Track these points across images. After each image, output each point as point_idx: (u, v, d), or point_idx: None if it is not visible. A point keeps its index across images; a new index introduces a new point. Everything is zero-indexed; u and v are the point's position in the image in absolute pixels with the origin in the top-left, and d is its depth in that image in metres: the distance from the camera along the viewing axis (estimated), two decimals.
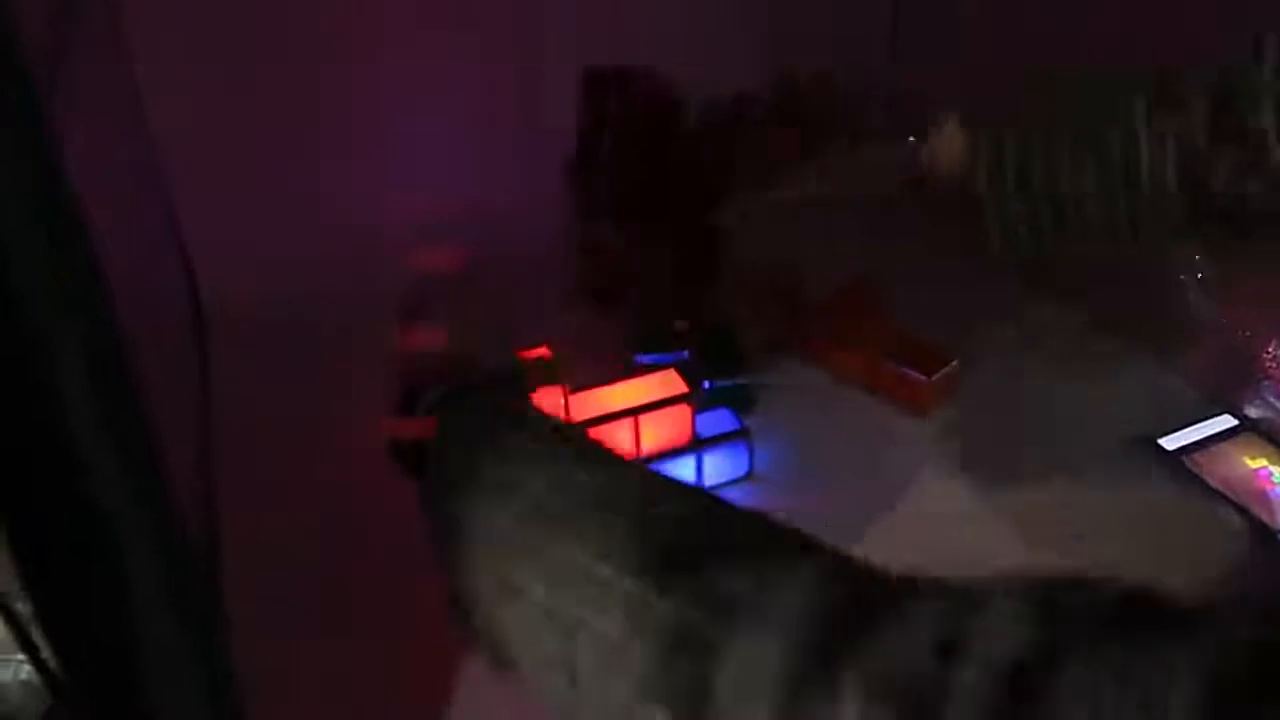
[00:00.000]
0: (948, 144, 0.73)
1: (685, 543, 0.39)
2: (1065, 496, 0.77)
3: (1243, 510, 0.75)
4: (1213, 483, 0.77)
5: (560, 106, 1.01)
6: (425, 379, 0.56)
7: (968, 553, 0.72)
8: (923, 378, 0.85)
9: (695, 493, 0.46)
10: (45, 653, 0.40)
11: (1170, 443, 0.80)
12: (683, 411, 0.77)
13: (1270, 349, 0.82)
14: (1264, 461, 0.78)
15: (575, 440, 0.49)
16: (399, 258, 0.79)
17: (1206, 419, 0.83)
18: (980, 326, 0.91)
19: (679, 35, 1.03)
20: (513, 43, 0.99)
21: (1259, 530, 0.73)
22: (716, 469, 0.79)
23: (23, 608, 0.44)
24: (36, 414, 0.31)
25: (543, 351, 0.72)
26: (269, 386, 0.87)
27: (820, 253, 0.93)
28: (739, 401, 0.83)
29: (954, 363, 0.86)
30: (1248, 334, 0.83)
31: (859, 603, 0.34)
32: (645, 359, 0.78)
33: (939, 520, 0.76)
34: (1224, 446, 0.80)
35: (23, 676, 0.58)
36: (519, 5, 0.97)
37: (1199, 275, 0.84)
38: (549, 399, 0.73)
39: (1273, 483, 0.77)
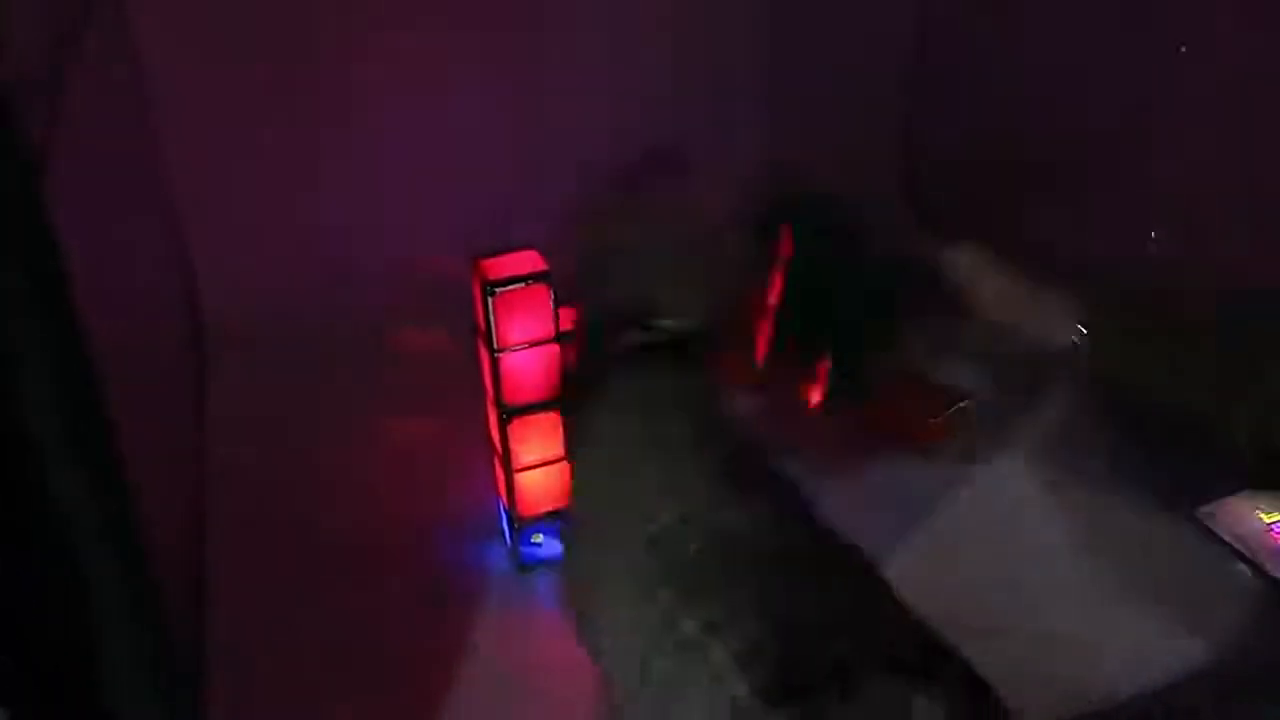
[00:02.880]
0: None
1: (804, 645, 0.38)
2: (1073, 544, 0.75)
3: (1256, 566, 0.73)
4: (1226, 537, 0.75)
5: (560, 127, 1.02)
6: None
7: (973, 598, 0.71)
8: (931, 416, 0.84)
9: (837, 570, 0.43)
10: None
11: (1183, 496, 0.78)
12: None
13: None
14: (1277, 517, 0.77)
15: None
16: (399, 272, 0.80)
17: (1220, 473, 0.80)
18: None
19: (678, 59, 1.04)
20: (515, 63, 0.99)
21: (1271, 586, 0.72)
22: None
23: None
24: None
25: None
26: (267, 399, 0.87)
27: None
28: None
29: (967, 401, 0.85)
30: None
31: None
32: None
33: (943, 561, 0.75)
34: (1237, 500, 0.78)
35: None
36: (521, 25, 0.97)
37: None
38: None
39: None
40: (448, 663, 0.67)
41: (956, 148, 1.11)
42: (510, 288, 0.65)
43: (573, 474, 0.63)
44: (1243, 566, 0.73)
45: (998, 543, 0.76)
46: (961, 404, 0.85)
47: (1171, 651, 0.67)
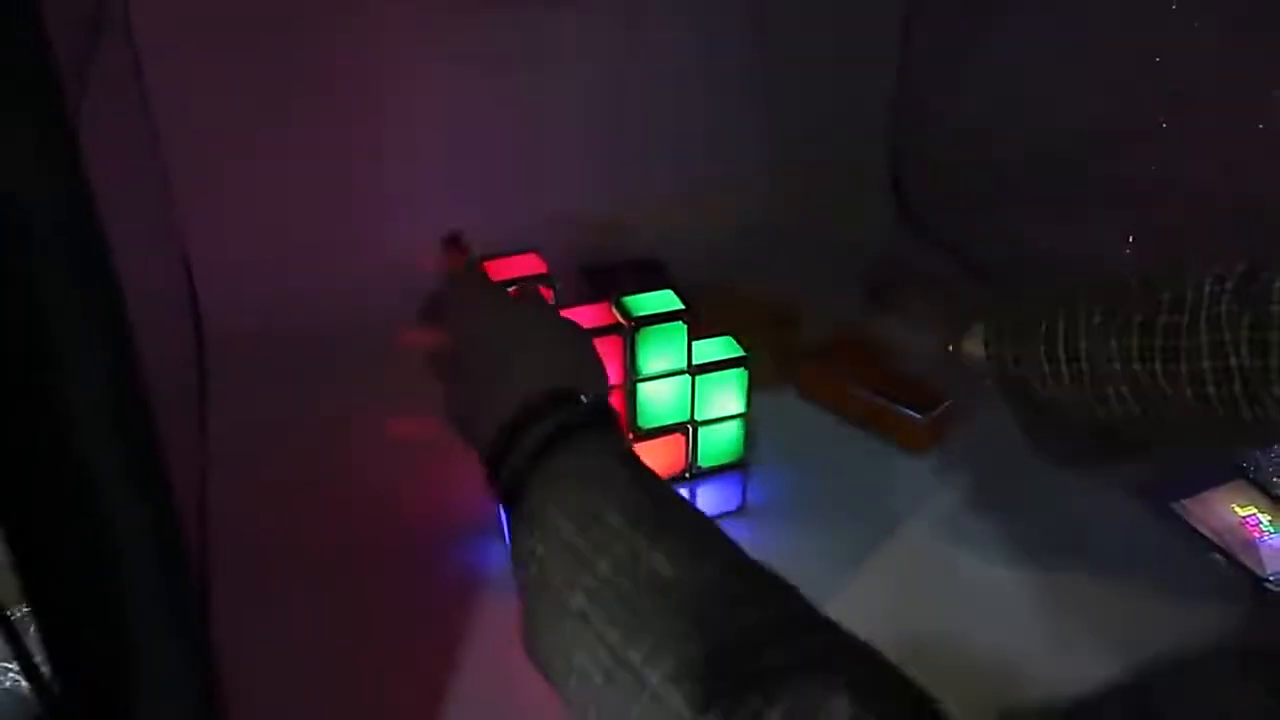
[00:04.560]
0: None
1: (734, 659, 0.41)
2: (1055, 537, 0.78)
3: (1230, 557, 0.75)
4: (1201, 529, 0.77)
5: (563, 153, 1.03)
6: (524, 412, 0.54)
7: (959, 592, 0.73)
8: (917, 415, 0.85)
9: (766, 592, 0.46)
10: (38, 661, 0.40)
11: (1159, 488, 0.81)
12: (678, 441, 0.77)
13: None
14: (1252, 509, 0.79)
15: (661, 503, 0.50)
16: (399, 272, 0.80)
17: (1196, 465, 0.83)
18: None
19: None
20: (517, 65, 0.99)
21: (1245, 576, 0.74)
22: (710, 501, 0.79)
23: (17, 615, 0.44)
24: (46, 421, 0.31)
25: None
26: (267, 400, 0.87)
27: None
28: None
29: (948, 402, 0.87)
30: None
31: None
32: None
33: (930, 558, 0.77)
34: (1213, 493, 0.81)
35: (6, 685, 0.57)
36: (524, 27, 0.98)
37: None
38: None
39: (1260, 530, 0.77)
40: (446, 662, 0.68)
41: (940, 151, 1.13)
42: (512, 289, 0.67)
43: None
44: (1218, 557, 0.76)
45: (973, 538, 0.78)
46: (945, 404, 0.87)
47: (1149, 639, 0.69)
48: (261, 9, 0.88)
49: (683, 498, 0.52)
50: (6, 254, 0.28)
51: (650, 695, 0.42)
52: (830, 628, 0.44)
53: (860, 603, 0.71)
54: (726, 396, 0.76)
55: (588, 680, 0.45)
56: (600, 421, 0.55)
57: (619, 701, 0.43)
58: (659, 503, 0.50)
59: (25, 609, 0.45)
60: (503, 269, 0.68)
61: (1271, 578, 0.74)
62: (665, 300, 0.73)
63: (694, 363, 0.74)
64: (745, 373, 0.75)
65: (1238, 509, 0.79)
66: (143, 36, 0.84)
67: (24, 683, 0.56)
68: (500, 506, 0.56)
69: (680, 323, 0.72)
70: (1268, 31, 0.76)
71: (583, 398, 0.55)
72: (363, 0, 0.92)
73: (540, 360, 0.58)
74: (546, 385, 0.55)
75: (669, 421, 0.75)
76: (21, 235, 0.28)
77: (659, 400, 0.74)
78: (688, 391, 0.74)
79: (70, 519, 0.32)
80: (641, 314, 0.71)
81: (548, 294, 0.68)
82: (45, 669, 0.38)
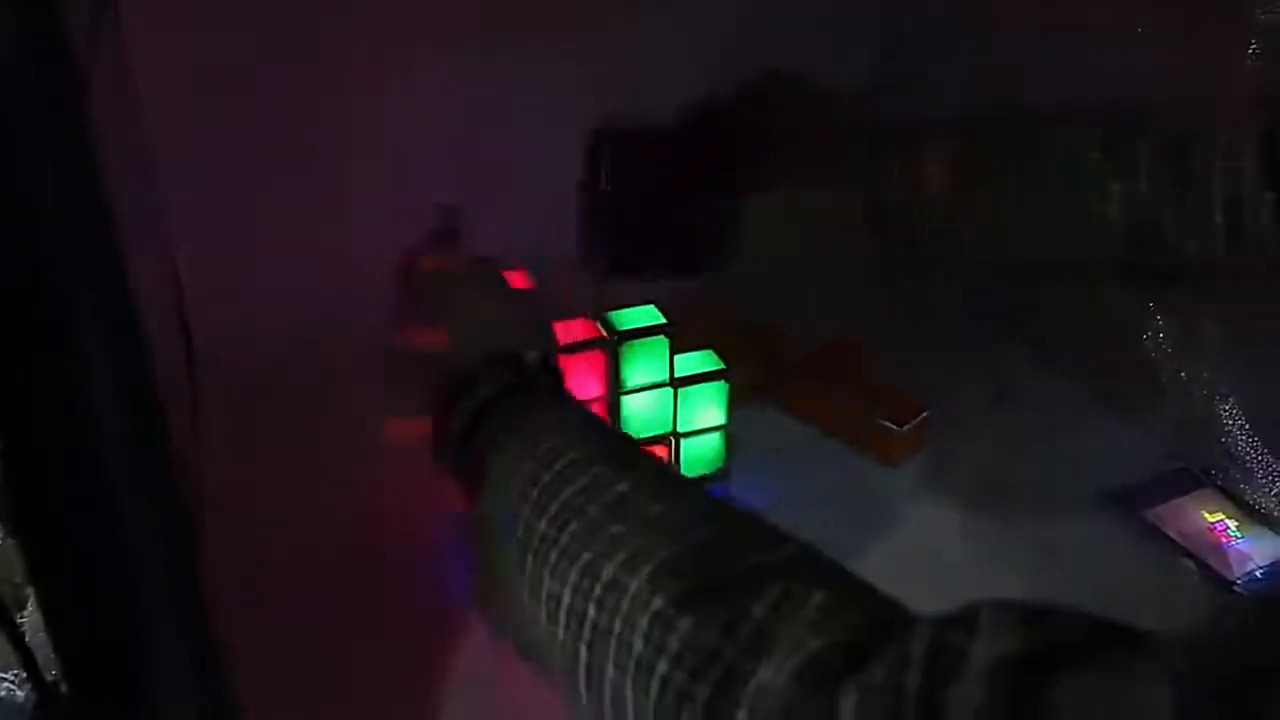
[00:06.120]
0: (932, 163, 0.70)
1: (714, 560, 0.42)
2: (1028, 544, 0.79)
3: (1200, 561, 0.77)
4: (1173, 535, 0.79)
5: (560, 159, 1.03)
6: (463, 378, 0.58)
7: (935, 603, 0.74)
8: (895, 427, 0.87)
9: (736, 515, 0.48)
10: (39, 668, 0.41)
11: (1130, 496, 0.83)
12: (660, 453, 0.78)
13: (1228, 407, 0.85)
14: (1220, 516, 0.81)
15: (616, 443, 0.52)
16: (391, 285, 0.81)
17: (1166, 474, 0.85)
18: (951, 379, 0.94)
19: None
20: (517, 92, 1.01)
21: (1214, 582, 0.76)
22: None
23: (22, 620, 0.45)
24: (67, 424, 0.32)
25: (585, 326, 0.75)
26: (258, 409, 0.87)
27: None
28: None
29: (925, 414, 0.88)
30: (1206, 392, 0.86)
31: (860, 632, 0.36)
32: None
33: (907, 568, 0.78)
34: (1183, 501, 0.82)
35: (0, 694, 0.58)
36: (520, 25, 0.99)
37: (1161, 336, 0.87)
38: None
39: (1228, 536, 0.79)
40: (444, 666, 0.69)
41: None
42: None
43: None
44: (1188, 562, 0.78)
45: (946, 546, 0.80)
46: (922, 415, 0.88)
47: None
48: (258, 8, 0.88)
49: (636, 441, 0.54)
50: (33, 254, 0.29)
51: (630, 599, 0.40)
52: (805, 543, 0.45)
53: None
54: (708, 408, 0.77)
55: (557, 608, 0.43)
56: (542, 380, 0.58)
57: (597, 618, 0.42)
58: (615, 439, 0.53)
59: (28, 613, 0.46)
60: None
61: (1239, 581, 0.76)
62: (648, 315, 0.74)
63: (676, 375, 0.75)
64: (726, 385, 0.77)
65: (1207, 515, 0.81)
66: (135, 37, 0.84)
67: (19, 691, 0.57)
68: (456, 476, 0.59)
69: (662, 337, 0.73)
70: None
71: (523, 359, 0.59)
72: (361, 1, 0.92)
73: (475, 327, 0.61)
74: (482, 349, 0.59)
75: (652, 433, 0.77)
76: (44, 236, 0.29)
77: (642, 412, 0.76)
78: (670, 404, 0.76)
79: (84, 521, 0.33)
80: (624, 328, 0.73)
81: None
82: (49, 674, 0.39)
